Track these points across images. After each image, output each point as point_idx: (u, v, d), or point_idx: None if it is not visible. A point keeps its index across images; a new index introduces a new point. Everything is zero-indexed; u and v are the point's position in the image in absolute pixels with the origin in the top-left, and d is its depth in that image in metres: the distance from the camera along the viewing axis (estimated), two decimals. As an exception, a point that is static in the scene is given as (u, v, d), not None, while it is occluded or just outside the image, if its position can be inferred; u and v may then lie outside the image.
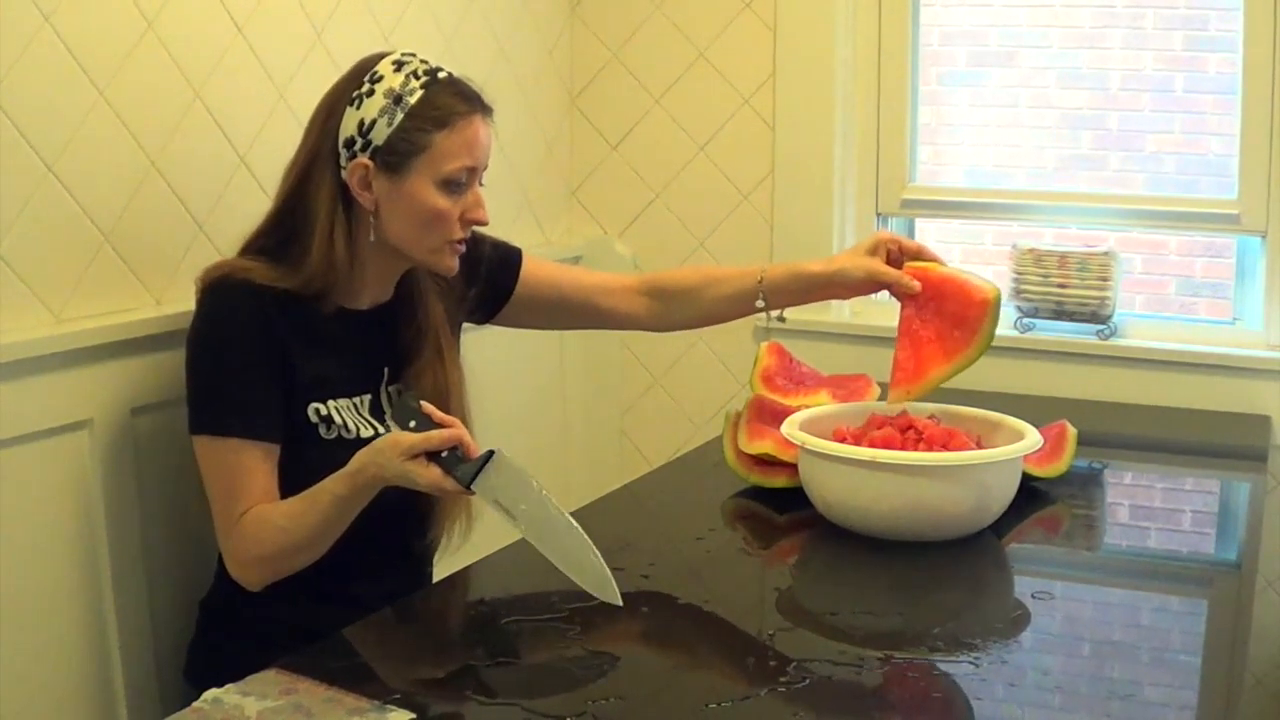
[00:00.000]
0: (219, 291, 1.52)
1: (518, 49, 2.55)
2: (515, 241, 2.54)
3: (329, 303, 1.55)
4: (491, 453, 1.37)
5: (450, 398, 1.62)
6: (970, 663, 1.23)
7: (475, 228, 1.60)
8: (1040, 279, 2.42)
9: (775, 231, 2.62)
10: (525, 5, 2.57)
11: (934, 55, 2.58)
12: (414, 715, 1.11)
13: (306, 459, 1.51)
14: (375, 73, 1.53)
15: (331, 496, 1.43)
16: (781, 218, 2.61)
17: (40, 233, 1.56)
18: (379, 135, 1.51)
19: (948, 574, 1.49)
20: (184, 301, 1.69)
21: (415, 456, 1.37)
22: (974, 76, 2.56)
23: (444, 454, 1.37)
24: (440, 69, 1.55)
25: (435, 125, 1.51)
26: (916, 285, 1.66)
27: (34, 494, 1.54)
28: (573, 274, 1.88)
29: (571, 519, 1.36)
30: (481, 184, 1.58)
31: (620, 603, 1.32)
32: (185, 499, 1.65)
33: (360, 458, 1.41)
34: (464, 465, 1.36)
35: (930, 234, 2.66)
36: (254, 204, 1.63)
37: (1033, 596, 1.47)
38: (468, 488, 1.36)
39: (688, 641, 1.35)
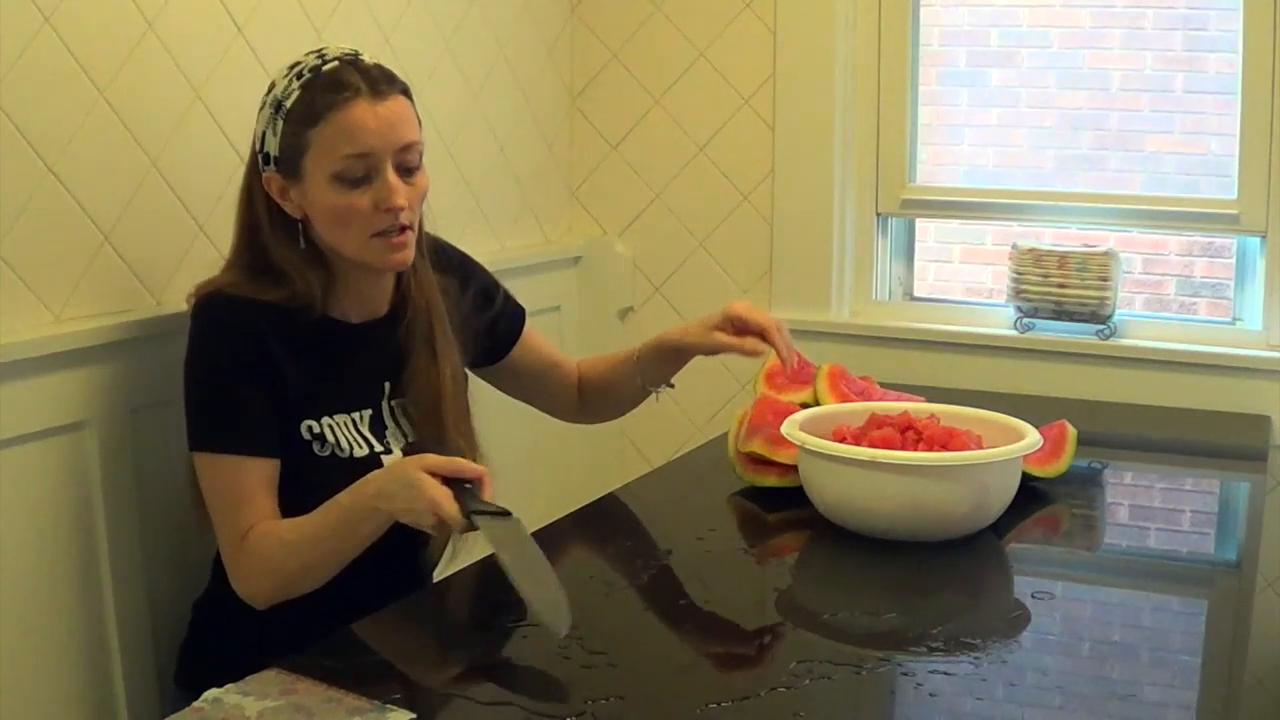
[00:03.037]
0: (211, 308, 1.50)
1: (518, 49, 2.55)
2: (515, 242, 2.54)
3: (314, 313, 1.53)
4: (508, 513, 1.34)
5: (443, 400, 1.60)
6: (970, 663, 1.23)
7: (465, 250, 1.58)
8: (1040, 279, 2.42)
9: (775, 231, 2.62)
10: (525, 5, 2.57)
11: (934, 55, 2.58)
12: (414, 715, 1.11)
13: (299, 477, 1.50)
14: (272, 83, 1.52)
15: (338, 508, 1.42)
16: (781, 218, 2.61)
17: (40, 233, 1.56)
18: (272, 146, 1.50)
19: (947, 574, 1.49)
20: (184, 302, 1.69)
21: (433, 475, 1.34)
22: (974, 76, 2.56)
23: (467, 485, 1.35)
24: (331, 60, 1.49)
25: (306, 124, 1.47)
26: (761, 349, 1.72)
27: (34, 494, 1.54)
28: (552, 351, 1.90)
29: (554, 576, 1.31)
30: (415, 168, 1.52)
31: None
32: (184, 499, 1.64)
33: (374, 472, 1.41)
34: (478, 503, 1.34)
35: (930, 234, 2.66)
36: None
37: (1033, 596, 1.47)
38: (468, 519, 1.33)
39: (688, 641, 1.35)
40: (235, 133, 1.83)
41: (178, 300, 1.71)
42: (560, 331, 2.70)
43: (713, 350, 1.75)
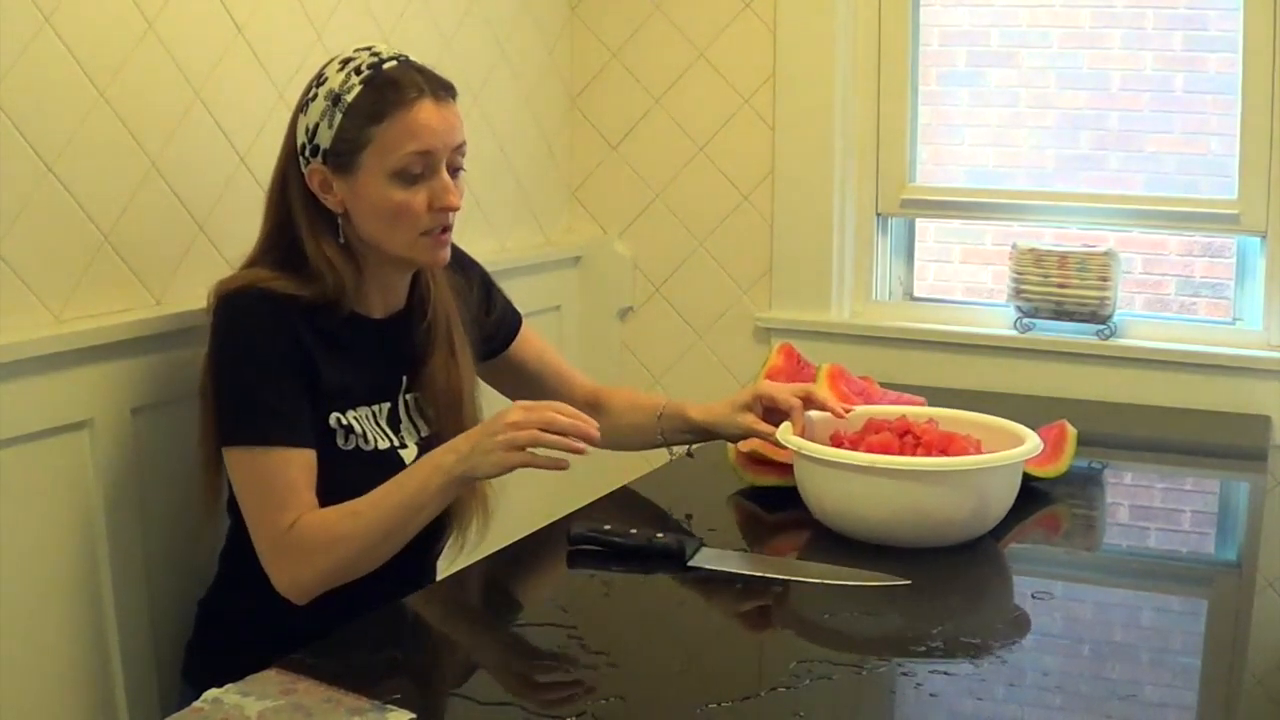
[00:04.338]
0: (241, 301, 1.50)
1: (518, 49, 2.55)
2: (514, 241, 2.55)
3: (343, 308, 1.55)
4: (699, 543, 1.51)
5: (463, 396, 1.62)
6: (970, 663, 1.23)
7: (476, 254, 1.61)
8: (1040, 279, 2.42)
9: (775, 231, 2.62)
10: (525, 5, 2.57)
11: (934, 55, 2.58)
12: (414, 715, 1.11)
13: (324, 469, 1.50)
14: (322, 75, 1.54)
15: (398, 485, 1.45)
16: (781, 218, 2.61)
17: (40, 233, 1.56)
18: (323, 138, 1.51)
19: (947, 574, 1.48)
20: (184, 301, 1.69)
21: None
22: (974, 76, 2.56)
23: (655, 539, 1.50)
24: (389, 59, 1.52)
25: (371, 119, 1.49)
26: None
27: (34, 494, 1.54)
28: (554, 356, 1.90)
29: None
30: (461, 168, 1.56)
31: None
32: (185, 499, 1.65)
33: (448, 443, 1.47)
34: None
35: (930, 234, 2.67)
36: (254, 204, 1.63)
37: (1033, 596, 1.47)
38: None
39: (688, 641, 1.35)
40: (235, 133, 1.83)
41: (178, 300, 1.72)
42: (560, 331, 2.70)
43: (741, 436, 1.75)
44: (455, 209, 1.54)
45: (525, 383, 1.86)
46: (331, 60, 1.55)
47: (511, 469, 1.43)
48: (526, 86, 2.59)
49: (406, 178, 1.51)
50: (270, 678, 1.19)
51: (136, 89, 1.67)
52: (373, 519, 1.44)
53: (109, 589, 1.63)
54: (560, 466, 1.44)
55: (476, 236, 2.39)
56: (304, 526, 1.44)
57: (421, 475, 1.45)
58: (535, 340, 1.86)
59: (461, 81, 2.26)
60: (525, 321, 1.86)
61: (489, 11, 2.45)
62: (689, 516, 1.66)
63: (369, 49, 1.54)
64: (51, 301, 1.59)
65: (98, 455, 1.61)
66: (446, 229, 1.56)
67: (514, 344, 1.83)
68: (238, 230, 1.60)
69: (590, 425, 1.45)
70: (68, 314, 1.61)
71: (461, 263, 1.75)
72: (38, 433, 1.54)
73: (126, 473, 1.64)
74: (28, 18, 1.52)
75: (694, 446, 1.87)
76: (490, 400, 1.79)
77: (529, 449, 1.42)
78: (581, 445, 1.43)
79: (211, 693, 1.16)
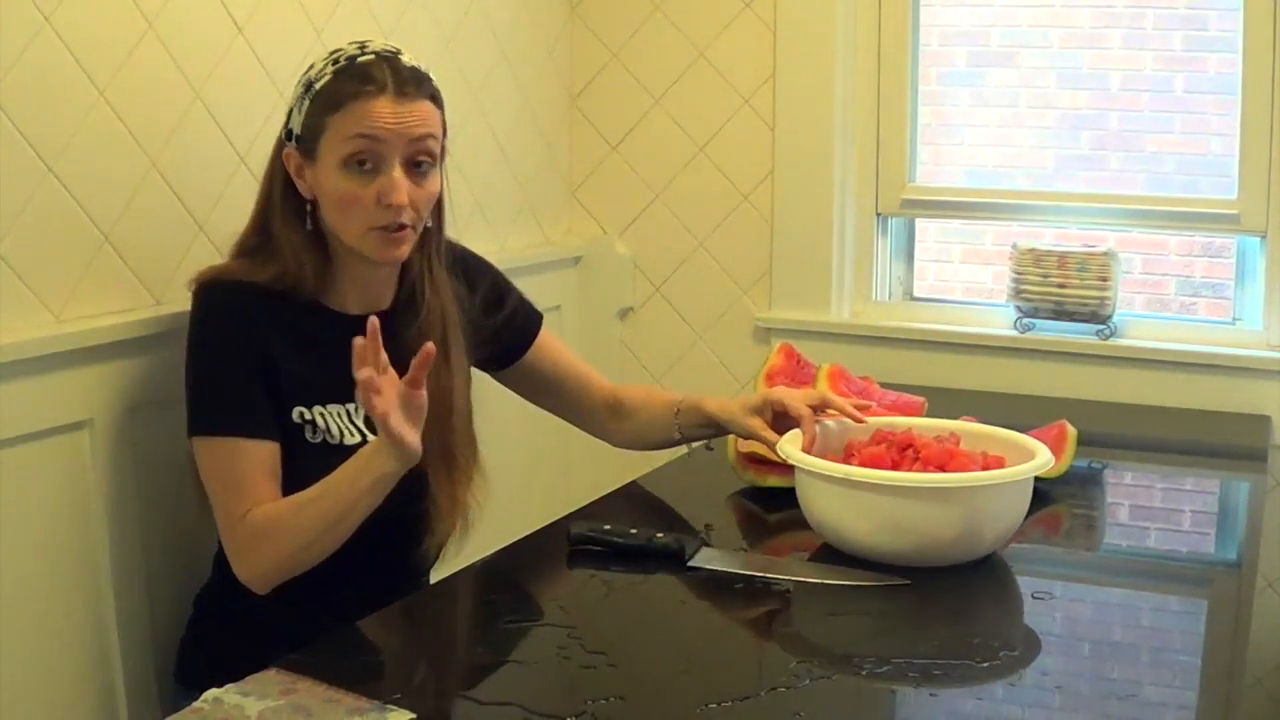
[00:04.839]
0: (208, 293, 1.53)
1: (518, 49, 2.55)
2: (514, 241, 2.54)
3: (303, 294, 1.55)
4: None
5: (452, 405, 1.60)
6: (970, 663, 1.23)
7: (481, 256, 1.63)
8: (1040, 279, 2.42)
9: (775, 231, 2.62)
10: (525, 5, 2.57)
11: (934, 55, 2.58)
12: (414, 715, 1.11)
13: (291, 463, 1.50)
14: (311, 64, 1.56)
15: (337, 476, 1.43)
16: (781, 218, 2.61)
17: (40, 233, 1.56)
18: (296, 124, 1.53)
19: (946, 574, 1.48)
20: (184, 301, 1.69)
21: None
22: (974, 76, 2.56)
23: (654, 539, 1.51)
24: (370, 53, 1.52)
25: (330, 108, 1.50)
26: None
27: (34, 494, 1.54)
28: (572, 359, 1.88)
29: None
30: (423, 169, 1.52)
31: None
32: (185, 499, 1.64)
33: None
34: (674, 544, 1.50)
35: (930, 234, 2.67)
36: (254, 204, 1.63)
37: (1033, 596, 1.47)
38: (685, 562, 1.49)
39: (688, 642, 1.35)
40: (235, 133, 1.83)
41: (178, 300, 1.71)
42: (560, 331, 2.70)
43: (747, 436, 1.74)
44: (400, 206, 1.50)
45: (544, 387, 1.85)
46: (327, 51, 1.56)
47: (408, 430, 1.39)
48: (526, 86, 2.59)
49: (356, 167, 1.50)
50: (270, 678, 1.19)
51: (136, 89, 1.67)
52: (313, 513, 1.44)
53: (109, 589, 1.63)
54: (417, 390, 1.39)
55: (476, 236, 2.39)
56: (254, 518, 1.46)
57: (351, 472, 1.44)
58: (553, 344, 1.85)
59: (461, 81, 2.26)
60: (544, 330, 1.84)
61: (489, 11, 2.45)
62: (708, 526, 1.65)
63: (361, 43, 1.55)
64: (51, 301, 1.59)
65: (98, 455, 1.61)
66: (402, 227, 1.52)
67: (530, 352, 1.81)
68: (237, 230, 1.60)
69: (368, 326, 1.39)
70: (68, 314, 1.61)
71: (468, 268, 1.73)
72: (38, 433, 1.54)
73: (126, 473, 1.65)
74: (28, 18, 1.52)
75: (710, 441, 1.86)
76: (492, 408, 1.79)
77: (385, 403, 1.37)
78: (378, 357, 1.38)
79: (211, 693, 1.16)
